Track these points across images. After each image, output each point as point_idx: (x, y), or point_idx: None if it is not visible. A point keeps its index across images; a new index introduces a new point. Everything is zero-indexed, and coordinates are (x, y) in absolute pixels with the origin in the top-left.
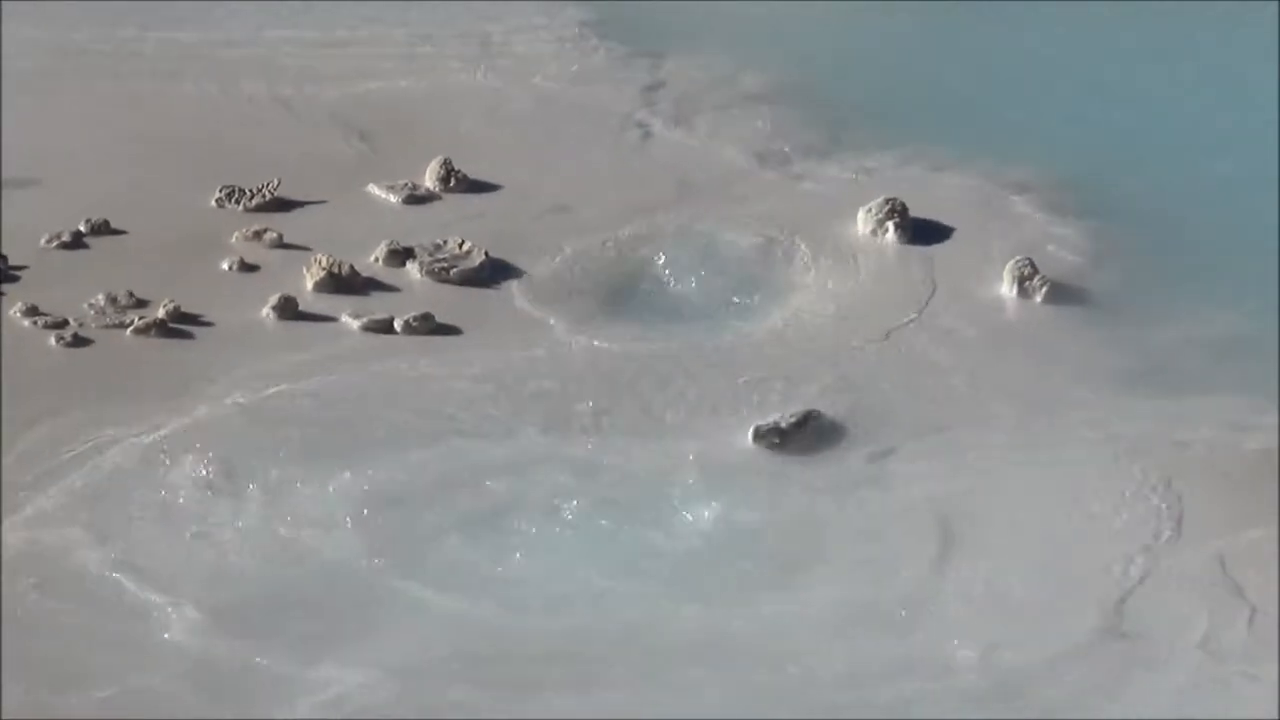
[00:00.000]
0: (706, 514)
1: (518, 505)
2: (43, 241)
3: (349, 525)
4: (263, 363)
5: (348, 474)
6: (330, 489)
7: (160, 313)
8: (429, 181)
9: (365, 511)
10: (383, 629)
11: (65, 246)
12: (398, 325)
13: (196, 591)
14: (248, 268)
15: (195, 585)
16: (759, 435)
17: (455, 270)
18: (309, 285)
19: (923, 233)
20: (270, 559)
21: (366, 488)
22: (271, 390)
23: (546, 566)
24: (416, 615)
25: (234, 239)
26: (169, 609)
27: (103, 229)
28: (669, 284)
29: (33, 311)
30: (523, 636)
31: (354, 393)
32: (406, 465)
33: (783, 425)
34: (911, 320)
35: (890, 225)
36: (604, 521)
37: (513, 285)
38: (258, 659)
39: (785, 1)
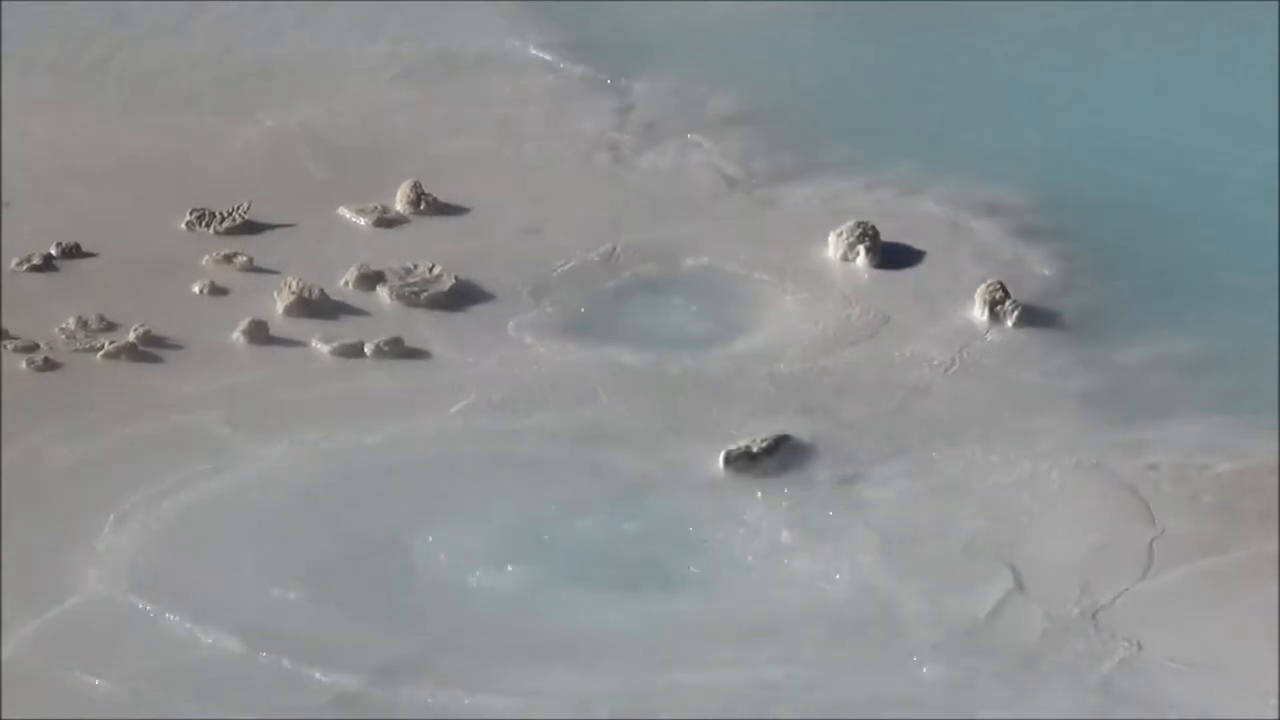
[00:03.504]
0: (678, 537)
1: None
2: (12, 264)
3: None
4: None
5: None
6: None
7: (131, 336)
8: (399, 205)
9: None
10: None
11: (35, 269)
12: (368, 349)
13: None
14: (218, 291)
15: None
16: (730, 460)
17: (425, 294)
18: (279, 309)
19: (894, 256)
20: None
21: None
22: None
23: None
24: None
25: (204, 262)
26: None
27: (73, 252)
28: (638, 307)
29: (2, 335)
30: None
31: None
32: None
33: (754, 450)
34: (883, 344)
35: (861, 249)
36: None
37: (482, 309)
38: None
39: (755, 22)
